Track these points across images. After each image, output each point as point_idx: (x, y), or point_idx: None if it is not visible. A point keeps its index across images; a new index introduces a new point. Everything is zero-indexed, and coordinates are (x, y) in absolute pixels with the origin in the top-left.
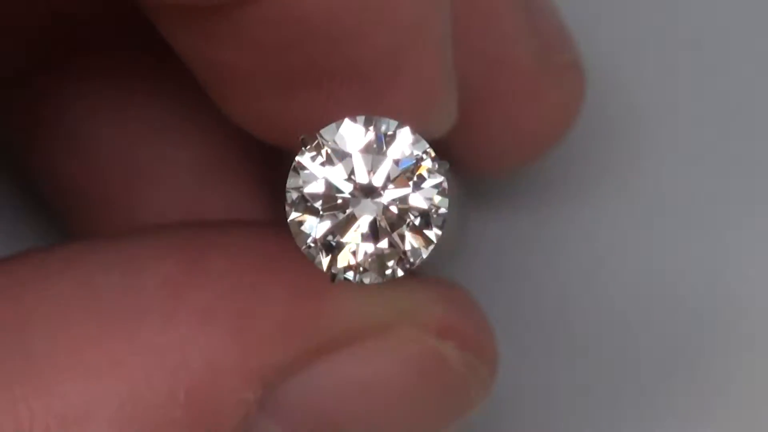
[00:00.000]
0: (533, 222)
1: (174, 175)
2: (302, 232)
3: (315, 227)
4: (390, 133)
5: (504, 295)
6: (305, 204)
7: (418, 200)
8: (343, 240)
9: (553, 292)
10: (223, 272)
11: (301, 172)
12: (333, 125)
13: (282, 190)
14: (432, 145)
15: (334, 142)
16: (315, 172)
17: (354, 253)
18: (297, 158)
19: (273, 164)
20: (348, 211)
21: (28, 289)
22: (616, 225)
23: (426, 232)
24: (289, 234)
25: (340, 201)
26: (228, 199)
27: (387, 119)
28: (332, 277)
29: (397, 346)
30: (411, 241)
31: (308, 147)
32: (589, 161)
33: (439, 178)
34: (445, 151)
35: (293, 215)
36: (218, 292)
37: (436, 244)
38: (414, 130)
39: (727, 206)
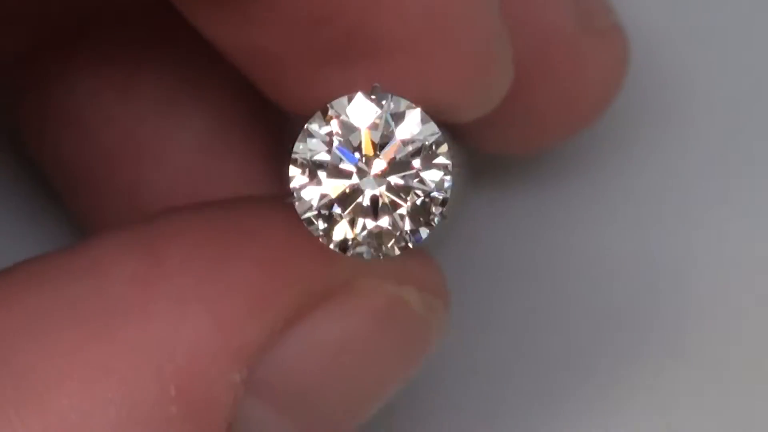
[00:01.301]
0: (532, 213)
1: (178, 155)
2: (303, 198)
3: (317, 195)
4: (401, 111)
5: (501, 288)
6: (310, 172)
7: (422, 181)
8: (344, 212)
9: (550, 285)
10: (187, 259)
11: (309, 139)
12: (345, 98)
13: (286, 165)
14: (442, 126)
15: (346, 114)
16: (323, 141)
17: (352, 227)
18: (307, 125)
19: (278, 143)
20: (351, 184)
21: (7, 309)
22: (615, 220)
23: (427, 213)
24: (280, 204)
25: (344, 172)
26: (233, 179)
27: (399, 98)
28: (339, 247)
29: (360, 300)
30: (411, 221)
31: (319, 117)
32: (590, 155)
33: (446, 161)
34: (471, 128)
35: (296, 180)
36: (187, 279)
37: (436, 227)
38: (425, 111)
39: (727, 204)
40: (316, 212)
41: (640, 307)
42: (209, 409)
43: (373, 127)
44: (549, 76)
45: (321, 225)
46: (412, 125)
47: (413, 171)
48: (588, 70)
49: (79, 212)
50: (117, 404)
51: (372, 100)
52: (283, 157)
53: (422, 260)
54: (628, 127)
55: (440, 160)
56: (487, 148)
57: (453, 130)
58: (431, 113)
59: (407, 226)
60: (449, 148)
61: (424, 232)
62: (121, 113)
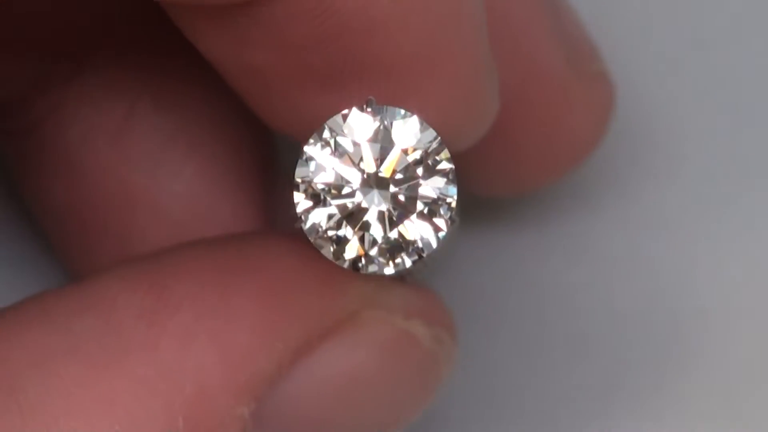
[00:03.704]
0: (520, 233)
1: (169, 204)
2: (310, 222)
3: (324, 217)
4: (398, 122)
5: (499, 306)
6: (314, 194)
7: (426, 189)
8: (353, 230)
9: (543, 303)
10: (193, 293)
11: (309, 162)
12: (339, 115)
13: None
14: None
15: (342, 132)
16: (323, 163)
17: (362, 244)
18: (305, 148)
19: (270, 190)
20: (357, 201)
21: (14, 343)
22: (613, 235)
23: (435, 220)
24: (285, 237)
25: (348, 191)
26: (224, 225)
27: (395, 108)
28: (352, 266)
29: (369, 333)
30: (420, 230)
31: (316, 137)
32: (586, 170)
33: (447, 166)
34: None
35: (301, 205)
36: (192, 314)
37: (446, 234)
38: (422, 119)
39: (726, 214)
40: (324, 234)
41: (637, 319)
42: None
43: (372, 140)
44: (537, 116)
45: (332, 247)
46: (411, 133)
47: (416, 180)
48: (575, 113)
49: (69, 257)
50: None
51: (368, 113)
52: (281, 188)
53: (427, 294)
54: (611, 168)
55: (442, 165)
56: (474, 190)
57: None
58: None
59: (417, 236)
60: (456, 215)
61: (434, 239)
62: (114, 159)
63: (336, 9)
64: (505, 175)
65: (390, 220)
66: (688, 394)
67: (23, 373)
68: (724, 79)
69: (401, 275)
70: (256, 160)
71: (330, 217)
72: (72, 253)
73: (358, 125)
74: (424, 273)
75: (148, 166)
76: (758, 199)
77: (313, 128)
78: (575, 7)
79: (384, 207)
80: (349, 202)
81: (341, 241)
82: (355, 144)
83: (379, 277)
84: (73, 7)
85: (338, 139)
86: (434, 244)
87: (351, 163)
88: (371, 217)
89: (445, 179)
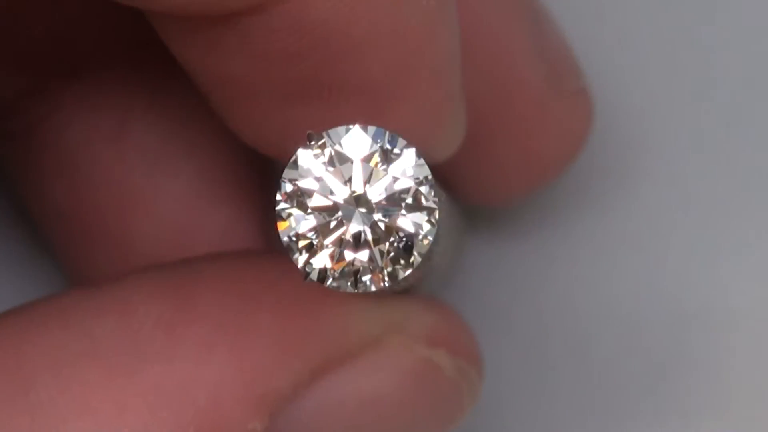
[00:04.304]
0: (527, 246)
1: (168, 206)
2: (287, 224)
3: (300, 222)
4: (396, 151)
5: (499, 321)
6: (297, 198)
7: (406, 223)
8: (325, 242)
9: (548, 313)
10: (214, 305)
11: (300, 165)
12: (342, 128)
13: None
14: (434, 173)
15: (340, 144)
16: (313, 169)
17: (332, 258)
18: (299, 151)
19: (268, 192)
20: (336, 216)
21: (30, 341)
22: (611, 246)
23: (408, 255)
24: (281, 255)
25: (330, 204)
26: (222, 229)
27: (397, 136)
28: (305, 275)
29: (391, 359)
30: (390, 261)
31: (313, 143)
32: (582, 183)
33: (433, 206)
34: (449, 178)
35: (282, 205)
36: (212, 324)
37: (415, 269)
38: (419, 153)
39: (726, 214)
40: (296, 239)
41: (636, 330)
42: None
43: (366, 160)
44: (512, 132)
45: (301, 254)
46: (406, 165)
47: (400, 210)
48: (551, 130)
49: (67, 259)
50: None
51: (368, 133)
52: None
53: (456, 322)
54: (611, 168)
55: (428, 204)
56: (458, 198)
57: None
58: None
59: (386, 264)
60: (438, 193)
61: (401, 272)
62: (111, 161)
63: (315, 27)
64: (481, 187)
65: (364, 242)
66: (688, 394)
67: (38, 372)
68: (716, 79)
69: (404, 289)
70: (254, 162)
71: (306, 223)
72: (70, 255)
73: (356, 142)
74: (433, 285)
75: (146, 167)
76: (757, 199)
77: (284, 148)
78: (557, 16)
79: (361, 228)
80: (328, 215)
81: (312, 251)
82: (349, 160)
83: (401, 298)
84: (71, 13)
85: (334, 150)
86: (399, 277)
87: (340, 178)
88: (347, 234)
89: (426, 218)
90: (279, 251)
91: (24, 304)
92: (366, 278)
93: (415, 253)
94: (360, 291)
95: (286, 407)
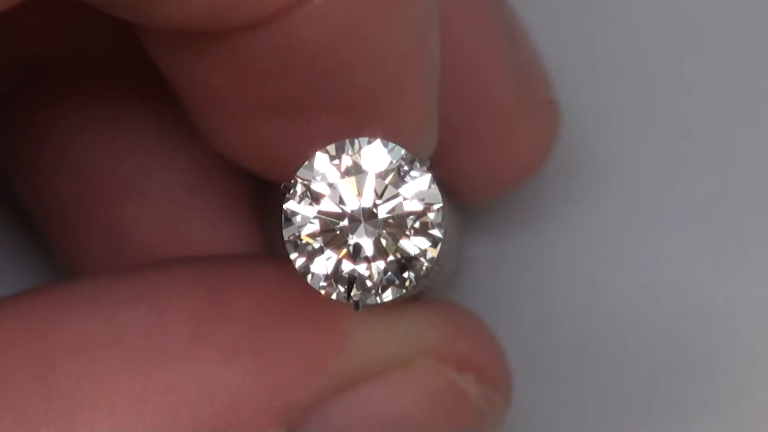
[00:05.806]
0: (524, 242)
1: (161, 196)
2: (314, 274)
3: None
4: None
5: (501, 316)
6: (306, 199)
7: (409, 245)
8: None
9: (549, 311)
10: (247, 309)
11: (315, 168)
12: (306, 164)
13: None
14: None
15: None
16: (328, 175)
17: (369, 276)
18: (317, 154)
19: (260, 181)
20: (342, 225)
21: (54, 325)
22: (611, 246)
23: (430, 232)
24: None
25: (338, 212)
26: (215, 220)
27: (355, 138)
28: (356, 305)
29: (417, 381)
30: (417, 245)
31: (291, 192)
32: (576, 180)
33: (438, 236)
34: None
35: (299, 261)
36: (242, 329)
37: (443, 242)
38: (384, 140)
39: (718, 218)
40: (329, 281)
41: (634, 326)
42: None
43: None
44: (480, 141)
45: (341, 290)
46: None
47: (399, 197)
48: (516, 141)
49: (62, 251)
50: None
51: (331, 152)
52: (266, 202)
53: (489, 344)
54: (611, 169)
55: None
56: None
57: None
58: None
59: (415, 250)
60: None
61: (393, 292)
62: (106, 150)
63: (306, 45)
64: (452, 189)
65: (387, 246)
66: (689, 394)
67: (60, 357)
68: (713, 78)
69: (413, 297)
70: None
71: (329, 263)
72: (65, 246)
73: (326, 167)
74: (440, 287)
75: (140, 159)
76: (756, 198)
77: (262, 162)
78: (529, 26)
79: (363, 242)
80: (334, 222)
81: (347, 282)
82: (330, 185)
83: (429, 308)
84: (67, 7)
85: (312, 186)
86: (389, 297)
87: (333, 206)
88: (367, 250)
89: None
90: (278, 251)
91: (48, 285)
92: (406, 275)
93: (411, 276)
94: (410, 289)
95: (306, 420)
